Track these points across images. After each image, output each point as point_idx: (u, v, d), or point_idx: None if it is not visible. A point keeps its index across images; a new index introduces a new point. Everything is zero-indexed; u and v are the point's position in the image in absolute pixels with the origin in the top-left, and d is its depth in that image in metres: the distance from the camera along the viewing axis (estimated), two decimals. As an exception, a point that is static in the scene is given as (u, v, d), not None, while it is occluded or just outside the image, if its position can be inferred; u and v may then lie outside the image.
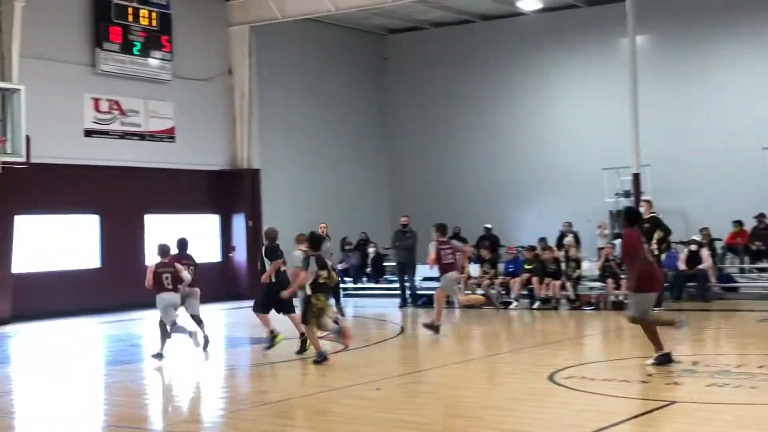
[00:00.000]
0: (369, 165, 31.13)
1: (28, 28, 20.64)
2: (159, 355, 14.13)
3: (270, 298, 14.43)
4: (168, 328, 14.29)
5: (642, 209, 20.52)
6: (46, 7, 21.62)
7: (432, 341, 16.53)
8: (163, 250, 14.52)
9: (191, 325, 14.89)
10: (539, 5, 28.36)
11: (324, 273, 13.10)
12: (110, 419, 10.16)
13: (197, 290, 15.17)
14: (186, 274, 14.50)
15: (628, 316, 12.38)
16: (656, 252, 19.67)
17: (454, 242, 17.70)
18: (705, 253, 21.42)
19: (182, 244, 15.20)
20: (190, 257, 15.25)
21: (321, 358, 13.10)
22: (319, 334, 13.61)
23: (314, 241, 13.75)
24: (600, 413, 9.37)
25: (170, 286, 14.24)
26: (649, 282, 12.02)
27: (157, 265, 14.31)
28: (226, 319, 20.97)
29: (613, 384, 10.94)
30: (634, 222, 12.46)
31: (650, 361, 11.99)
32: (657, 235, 19.74)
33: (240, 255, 26.18)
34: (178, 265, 14.48)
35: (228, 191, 26.27)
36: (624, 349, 15.18)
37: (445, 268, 16.69)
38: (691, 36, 26.81)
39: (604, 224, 25.08)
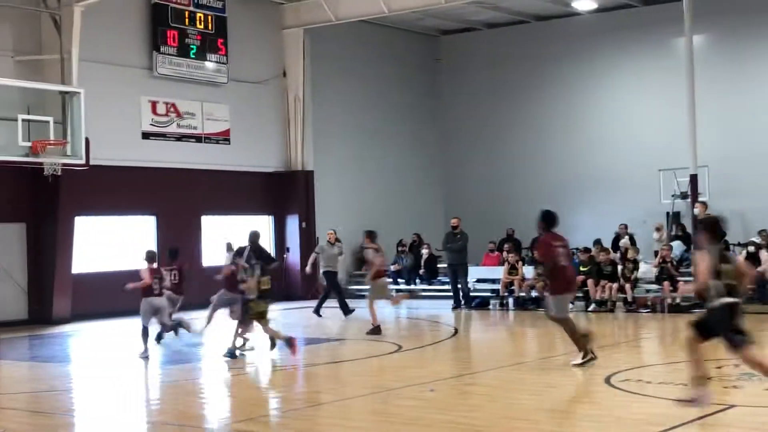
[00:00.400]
0: (422, 166, 31.12)
1: (87, 32, 20.97)
2: (145, 356, 14.81)
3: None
4: (147, 328, 15.16)
5: (697, 211, 20.33)
6: (105, 11, 21.94)
7: (487, 343, 16.52)
8: (150, 256, 15.46)
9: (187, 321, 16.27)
10: (594, 5, 28.17)
11: (265, 279, 14.02)
12: (166, 417, 10.28)
13: (178, 297, 16.47)
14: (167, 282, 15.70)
15: (547, 315, 12.99)
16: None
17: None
18: (764, 254, 21.08)
19: (173, 252, 16.30)
20: (178, 264, 16.59)
21: (230, 356, 14.12)
22: (246, 335, 14.90)
23: (255, 246, 14.98)
24: (657, 416, 9.29)
25: (156, 291, 15.04)
26: (564, 284, 12.58)
27: (151, 271, 15.11)
28: (281, 320, 21.07)
29: (670, 387, 10.82)
30: (552, 226, 12.96)
31: (575, 361, 12.38)
32: None
33: (294, 256, 26.33)
34: (164, 272, 15.56)
35: (282, 193, 26.46)
36: (680, 352, 14.98)
37: (377, 274, 17.73)
38: (748, 34, 26.42)
39: (661, 226, 24.84)
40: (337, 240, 21.84)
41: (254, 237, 15.40)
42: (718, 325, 9.02)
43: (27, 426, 10.08)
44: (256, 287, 14.06)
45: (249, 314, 14.17)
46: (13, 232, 21.18)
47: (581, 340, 12.56)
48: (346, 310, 20.72)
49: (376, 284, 17.92)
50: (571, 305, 20.65)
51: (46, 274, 21.16)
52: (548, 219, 13.14)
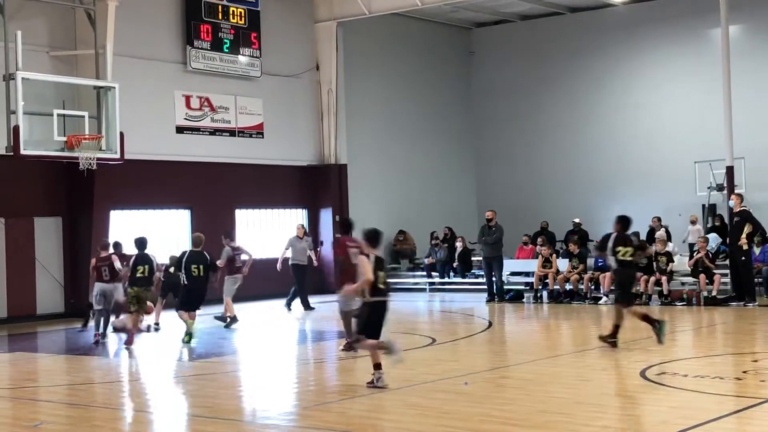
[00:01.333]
0: (455, 159, 31.06)
1: (121, 26, 21.09)
2: (103, 335, 16.53)
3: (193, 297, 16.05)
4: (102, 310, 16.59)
5: (732, 203, 20.12)
6: (139, 6, 22.08)
7: (521, 336, 16.45)
8: (103, 245, 17.18)
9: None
10: (629, -4, 27.96)
11: (141, 268, 15.44)
12: (201, 410, 10.33)
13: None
14: (118, 265, 16.47)
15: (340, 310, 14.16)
16: (745, 247, 19.26)
17: (243, 247, 19.20)
18: (802, 247, 20.84)
19: (140, 243, 16.34)
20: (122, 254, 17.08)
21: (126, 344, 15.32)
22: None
23: (137, 243, 16.01)
24: (693, 410, 9.21)
25: (107, 277, 16.53)
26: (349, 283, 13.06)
27: (98, 259, 16.85)
28: (314, 313, 21.14)
29: (705, 381, 10.73)
30: (348, 230, 14.61)
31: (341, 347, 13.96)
32: (747, 229, 19.31)
33: (327, 249, 26.34)
34: (114, 258, 16.67)
35: (315, 186, 26.50)
36: (716, 345, 14.89)
37: (232, 271, 18.28)
38: (786, 25, 26.12)
39: (695, 218, 24.63)
40: (306, 234, 22.18)
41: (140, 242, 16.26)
42: (365, 322, 10.90)
43: (64, 418, 10.18)
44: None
45: (131, 301, 15.80)
46: (49, 225, 21.40)
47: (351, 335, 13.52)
48: (307, 306, 21.39)
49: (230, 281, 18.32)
50: (606, 298, 20.72)
51: (82, 268, 21.30)
52: (345, 225, 14.97)
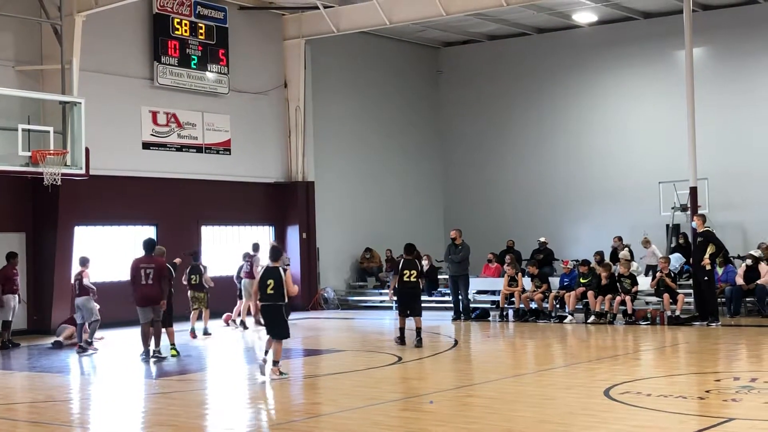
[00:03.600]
0: (423, 177, 31.16)
1: (88, 42, 21.00)
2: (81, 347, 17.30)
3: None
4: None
5: (695, 224, 20.35)
6: (106, 21, 21.98)
7: (487, 355, 16.48)
8: (81, 261, 18.10)
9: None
10: (594, 18, 28.28)
11: (194, 277, 17.27)
12: (165, 429, 10.25)
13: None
14: (87, 282, 17.67)
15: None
16: (708, 267, 19.46)
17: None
18: (764, 267, 21.09)
19: (194, 254, 19.87)
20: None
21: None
22: None
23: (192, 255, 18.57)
24: (656, 429, 9.27)
25: (77, 292, 17.63)
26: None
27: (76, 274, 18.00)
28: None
29: (669, 400, 10.81)
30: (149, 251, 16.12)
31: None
32: (710, 249, 19.51)
33: (294, 267, 26.30)
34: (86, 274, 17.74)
35: (282, 203, 26.47)
36: (679, 364, 14.99)
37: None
38: (748, 48, 26.51)
39: (645, 238, 24.85)
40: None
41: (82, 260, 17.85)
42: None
43: (25, 436, 10.05)
44: None
45: None
46: (12, 241, 21.10)
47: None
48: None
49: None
50: (571, 317, 20.83)
51: (45, 284, 21.16)
52: (149, 245, 16.21)
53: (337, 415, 10.57)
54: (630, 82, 28.49)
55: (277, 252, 13.69)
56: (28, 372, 15.66)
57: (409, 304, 17.14)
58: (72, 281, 18.35)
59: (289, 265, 24.88)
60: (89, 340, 17.39)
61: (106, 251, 22.57)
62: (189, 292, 19.84)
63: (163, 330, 16.37)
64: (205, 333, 19.77)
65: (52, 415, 11.17)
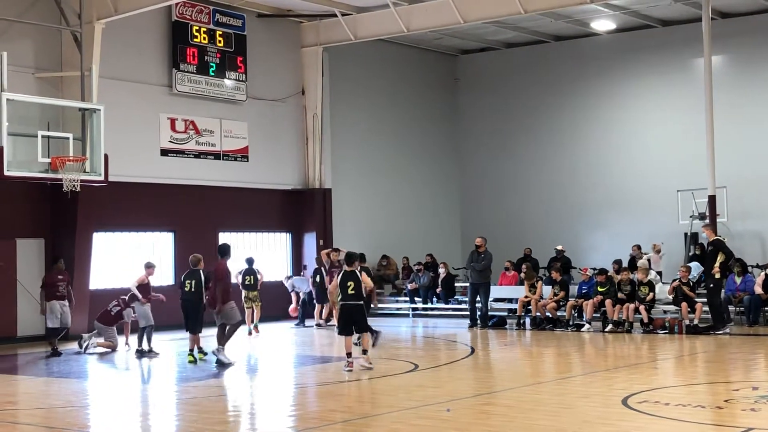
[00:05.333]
0: (440, 185, 31.15)
1: (107, 49, 21.13)
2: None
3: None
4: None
5: (705, 235, 20.38)
6: (126, 28, 22.11)
7: (504, 363, 16.45)
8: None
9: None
10: (613, 26, 28.23)
11: (249, 278, 17.44)
12: (184, 435, 10.28)
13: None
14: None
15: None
16: (717, 275, 19.43)
17: None
18: (783, 276, 20.97)
19: (249, 260, 20.64)
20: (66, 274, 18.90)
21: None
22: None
23: (247, 261, 18.78)
24: (675, 439, 9.23)
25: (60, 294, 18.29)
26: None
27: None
28: (295, 338, 21.11)
29: (687, 409, 10.76)
30: (225, 254, 16.33)
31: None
32: (719, 258, 19.51)
33: (311, 273, 26.32)
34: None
35: (299, 210, 26.51)
36: (698, 373, 14.93)
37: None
38: (767, 56, 26.37)
39: (658, 247, 24.85)
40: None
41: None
42: None
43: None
44: None
45: None
46: (31, 247, 21.28)
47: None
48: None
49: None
50: (588, 325, 20.76)
51: (64, 290, 21.22)
52: (222, 250, 16.48)
53: (354, 422, 10.57)
54: (648, 89, 28.41)
55: (351, 257, 14.99)
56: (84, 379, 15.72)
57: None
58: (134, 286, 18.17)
59: (303, 272, 25.02)
60: (148, 347, 17.60)
61: (125, 257, 22.66)
62: (243, 292, 21.21)
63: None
64: (255, 327, 21.43)
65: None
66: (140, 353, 17.57)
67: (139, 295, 17.97)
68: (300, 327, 23.12)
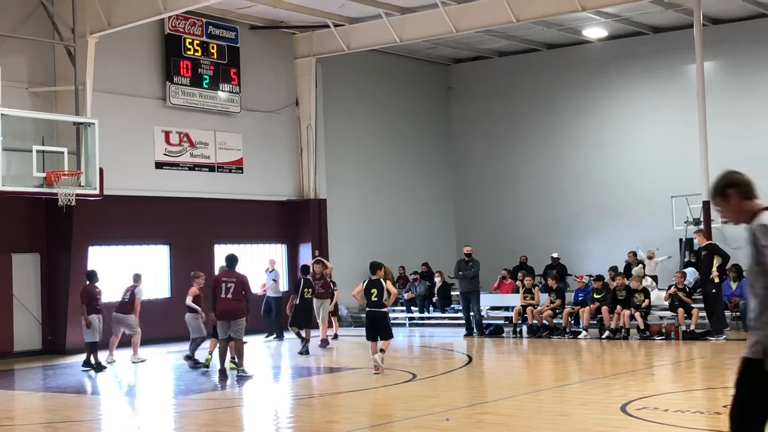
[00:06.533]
0: (434, 194, 31.19)
1: (101, 63, 21.15)
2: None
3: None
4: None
5: (697, 241, 20.47)
6: (119, 42, 22.12)
7: (501, 371, 16.45)
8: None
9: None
10: (605, 33, 28.34)
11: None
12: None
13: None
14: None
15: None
16: (716, 279, 19.47)
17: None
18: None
19: (90, 275, 18.21)
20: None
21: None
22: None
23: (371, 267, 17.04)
24: (674, 445, 9.24)
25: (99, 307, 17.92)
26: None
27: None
28: (294, 349, 21.07)
29: (687, 415, 10.78)
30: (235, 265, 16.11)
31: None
32: (716, 261, 19.56)
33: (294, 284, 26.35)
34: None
35: (295, 221, 26.53)
36: (696, 379, 14.96)
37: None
38: (759, 61, 26.52)
39: (651, 253, 24.97)
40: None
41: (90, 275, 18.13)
42: None
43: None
44: None
45: None
46: (27, 262, 21.27)
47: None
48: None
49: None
50: (585, 332, 20.81)
51: (60, 304, 21.21)
52: (231, 261, 16.18)
53: (354, 433, 10.57)
54: (641, 96, 28.50)
55: (376, 266, 15.72)
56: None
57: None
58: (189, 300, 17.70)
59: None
60: (190, 356, 17.43)
61: (120, 271, 22.61)
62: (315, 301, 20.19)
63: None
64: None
65: None
66: (193, 362, 17.27)
67: (198, 308, 17.50)
68: (278, 340, 22.69)
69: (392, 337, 15.74)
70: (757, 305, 5.84)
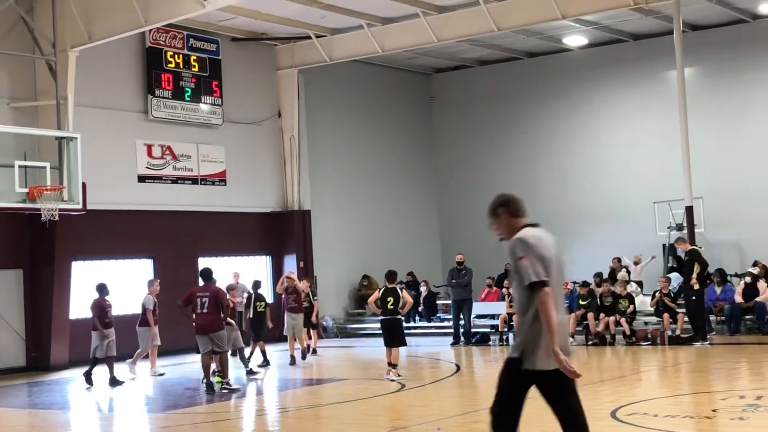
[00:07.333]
0: (418, 203, 31.19)
1: (82, 77, 21.03)
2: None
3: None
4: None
5: (679, 249, 20.60)
6: (100, 56, 22.01)
7: (490, 379, 16.42)
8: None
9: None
10: (585, 41, 28.44)
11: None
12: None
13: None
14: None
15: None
16: (696, 286, 19.54)
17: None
18: (762, 285, 21.14)
19: (100, 288, 17.82)
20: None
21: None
22: None
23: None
24: (666, 450, 9.25)
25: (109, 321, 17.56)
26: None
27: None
28: (279, 360, 20.99)
29: (677, 420, 10.80)
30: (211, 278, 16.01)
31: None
32: (696, 269, 19.66)
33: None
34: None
35: (279, 233, 26.45)
36: (684, 384, 14.99)
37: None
38: (738, 67, 26.66)
39: (638, 259, 25.10)
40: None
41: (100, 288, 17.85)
42: None
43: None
44: None
45: None
46: (10, 278, 21.11)
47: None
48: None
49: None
50: (571, 339, 20.78)
51: (43, 320, 21.06)
52: (207, 274, 16.17)
53: (345, 444, 10.53)
54: (622, 103, 28.61)
55: (393, 275, 16.48)
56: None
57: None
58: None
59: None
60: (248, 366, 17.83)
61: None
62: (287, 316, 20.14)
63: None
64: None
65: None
66: (249, 372, 17.70)
67: (232, 322, 17.42)
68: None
69: (405, 344, 16.51)
70: (518, 310, 6.63)
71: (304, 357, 20.00)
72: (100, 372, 17.59)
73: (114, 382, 17.17)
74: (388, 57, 27.70)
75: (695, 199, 22.44)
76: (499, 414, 6.72)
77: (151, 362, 18.57)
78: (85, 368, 17.64)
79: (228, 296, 17.17)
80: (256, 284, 20.17)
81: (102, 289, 17.77)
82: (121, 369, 17.75)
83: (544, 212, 29.40)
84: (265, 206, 26.35)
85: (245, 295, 21.22)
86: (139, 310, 18.78)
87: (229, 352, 17.35)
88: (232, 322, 17.34)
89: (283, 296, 20.52)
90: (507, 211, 7.17)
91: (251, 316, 19.76)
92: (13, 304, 21.10)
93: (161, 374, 18.38)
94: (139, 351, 18.54)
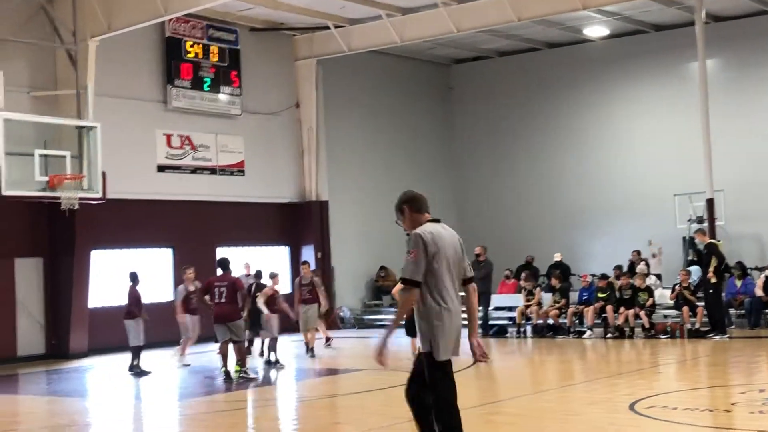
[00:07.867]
0: (436, 194, 31.02)
1: (102, 66, 21.09)
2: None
3: None
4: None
5: (698, 240, 20.49)
6: (120, 46, 22.06)
7: (507, 371, 16.40)
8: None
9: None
10: (606, 32, 28.26)
11: None
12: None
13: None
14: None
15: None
16: (713, 280, 19.43)
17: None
18: (783, 278, 20.98)
19: (133, 276, 17.86)
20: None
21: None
22: None
23: None
24: (685, 443, 9.20)
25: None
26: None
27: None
28: (299, 350, 21.02)
29: (696, 413, 10.74)
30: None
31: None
32: (713, 262, 19.55)
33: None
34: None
35: (297, 223, 26.47)
36: (703, 377, 14.91)
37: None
38: (761, 59, 26.42)
39: (657, 251, 25.01)
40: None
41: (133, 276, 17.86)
42: None
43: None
44: None
45: None
46: (30, 266, 21.23)
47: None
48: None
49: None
50: (590, 332, 20.74)
51: (63, 309, 21.17)
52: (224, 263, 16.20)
53: (362, 434, 10.53)
54: (643, 95, 28.42)
55: None
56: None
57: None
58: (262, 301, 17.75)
59: None
60: (275, 357, 17.60)
61: (123, 275, 22.54)
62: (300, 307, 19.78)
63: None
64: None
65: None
66: (268, 364, 17.52)
67: (266, 310, 17.53)
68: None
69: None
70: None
71: (308, 350, 19.44)
72: (126, 360, 17.65)
73: (139, 371, 17.27)
74: (407, 47, 27.62)
75: (716, 192, 22.32)
76: (416, 398, 7.63)
77: (181, 351, 18.54)
78: (103, 357, 17.69)
79: (270, 284, 17.63)
80: (258, 274, 19.64)
81: (134, 277, 17.82)
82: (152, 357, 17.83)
83: (564, 204, 29.44)
84: (283, 197, 26.37)
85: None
86: (163, 299, 18.92)
87: (268, 340, 17.50)
88: (265, 311, 17.50)
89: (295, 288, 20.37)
90: (410, 207, 7.88)
91: (250, 307, 18.92)
92: (33, 293, 21.22)
93: (187, 365, 18.34)
94: (182, 340, 18.53)
